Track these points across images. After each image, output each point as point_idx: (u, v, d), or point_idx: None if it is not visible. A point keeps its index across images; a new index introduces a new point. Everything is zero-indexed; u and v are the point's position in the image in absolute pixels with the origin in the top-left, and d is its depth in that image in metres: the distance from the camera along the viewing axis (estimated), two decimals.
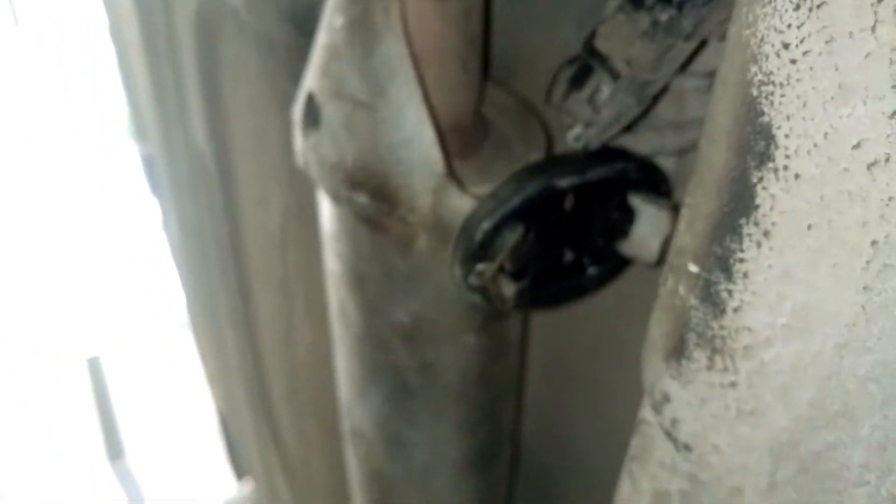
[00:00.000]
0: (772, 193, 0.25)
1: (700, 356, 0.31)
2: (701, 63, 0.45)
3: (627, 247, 0.51)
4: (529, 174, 0.45)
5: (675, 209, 0.44)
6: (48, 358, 2.66)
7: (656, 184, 0.48)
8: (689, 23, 0.39)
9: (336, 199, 0.56)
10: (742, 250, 0.27)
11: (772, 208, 0.25)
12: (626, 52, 0.40)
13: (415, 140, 0.50)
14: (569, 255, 0.53)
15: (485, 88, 0.59)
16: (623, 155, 0.47)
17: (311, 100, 0.56)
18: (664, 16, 0.39)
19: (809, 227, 0.24)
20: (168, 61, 1.10)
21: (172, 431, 2.70)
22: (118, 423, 2.70)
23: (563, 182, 0.45)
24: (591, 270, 0.52)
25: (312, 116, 0.56)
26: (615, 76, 0.41)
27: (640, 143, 0.49)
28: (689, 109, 0.48)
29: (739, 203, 0.26)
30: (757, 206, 0.26)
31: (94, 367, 2.62)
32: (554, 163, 0.47)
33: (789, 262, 0.25)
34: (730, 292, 0.28)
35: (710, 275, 0.29)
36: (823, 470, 0.27)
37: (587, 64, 0.42)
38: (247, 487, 2.20)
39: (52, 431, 2.61)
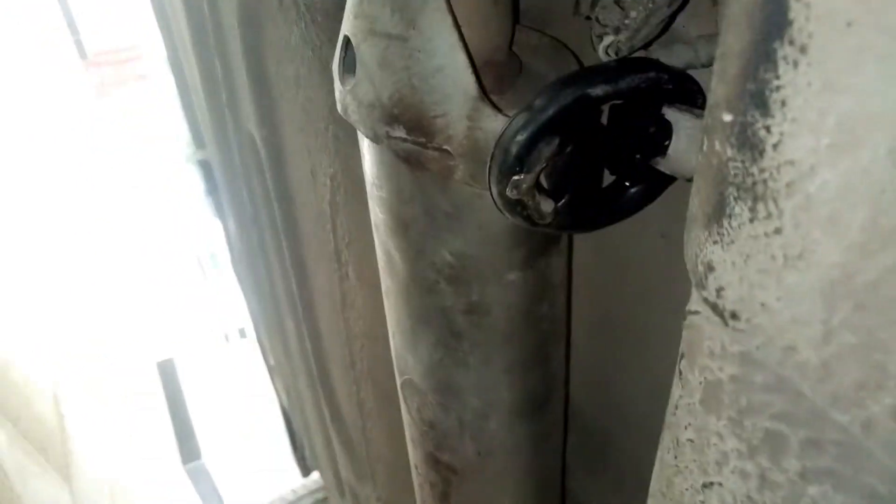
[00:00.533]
0: (806, 2, 0.24)
1: (741, 210, 0.30)
2: None
3: (666, 164, 0.50)
4: (562, 85, 0.45)
5: None
6: (121, 363, 2.75)
7: (692, 95, 0.48)
8: None
9: (375, 139, 0.57)
10: (778, 77, 0.26)
11: (807, 18, 0.24)
12: None
13: (447, 66, 0.50)
14: (607, 178, 0.53)
15: (517, 28, 0.60)
16: (656, 65, 0.47)
17: (347, 44, 0.57)
18: None
19: (849, 24, 0.23)
20: (217, 52, 1.13)
21: (242, 433, 2.76)
22: (193, 427, 2.77)
23: (597, 90, 0.45)
24: (631, 191, 0.52)
25: (349, 61, 0.57)
26: None
27: (674, 57, 0.49)
28: None
29: (772, 25, 0.25)
30: (791, 22, 0.25)
31: (166, 371, 2.71)
32: (586, 73, 0.47)
33: (830, 72, 0.24)
34: (768, 128, 0.27)
35: (746, 116, 0.28)
36: (882, 299, 0.26)
37: None
38: (313, 482, 2.23)
39: (127, 437, 2.69)
